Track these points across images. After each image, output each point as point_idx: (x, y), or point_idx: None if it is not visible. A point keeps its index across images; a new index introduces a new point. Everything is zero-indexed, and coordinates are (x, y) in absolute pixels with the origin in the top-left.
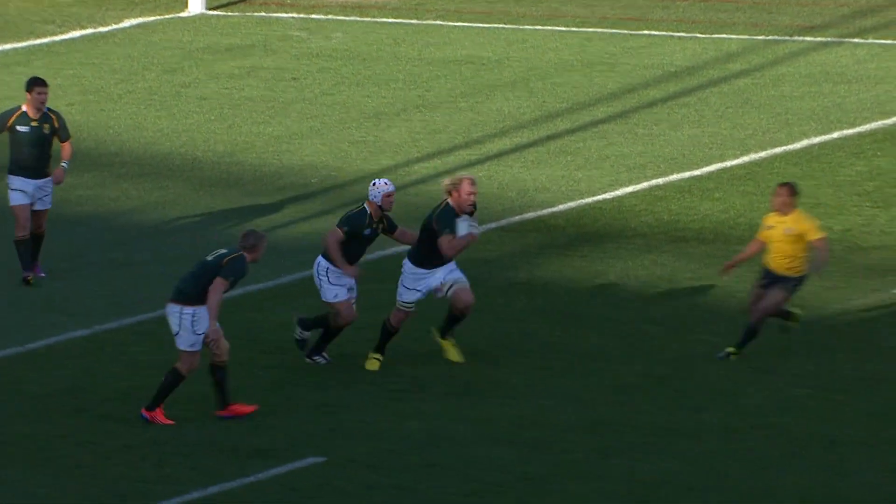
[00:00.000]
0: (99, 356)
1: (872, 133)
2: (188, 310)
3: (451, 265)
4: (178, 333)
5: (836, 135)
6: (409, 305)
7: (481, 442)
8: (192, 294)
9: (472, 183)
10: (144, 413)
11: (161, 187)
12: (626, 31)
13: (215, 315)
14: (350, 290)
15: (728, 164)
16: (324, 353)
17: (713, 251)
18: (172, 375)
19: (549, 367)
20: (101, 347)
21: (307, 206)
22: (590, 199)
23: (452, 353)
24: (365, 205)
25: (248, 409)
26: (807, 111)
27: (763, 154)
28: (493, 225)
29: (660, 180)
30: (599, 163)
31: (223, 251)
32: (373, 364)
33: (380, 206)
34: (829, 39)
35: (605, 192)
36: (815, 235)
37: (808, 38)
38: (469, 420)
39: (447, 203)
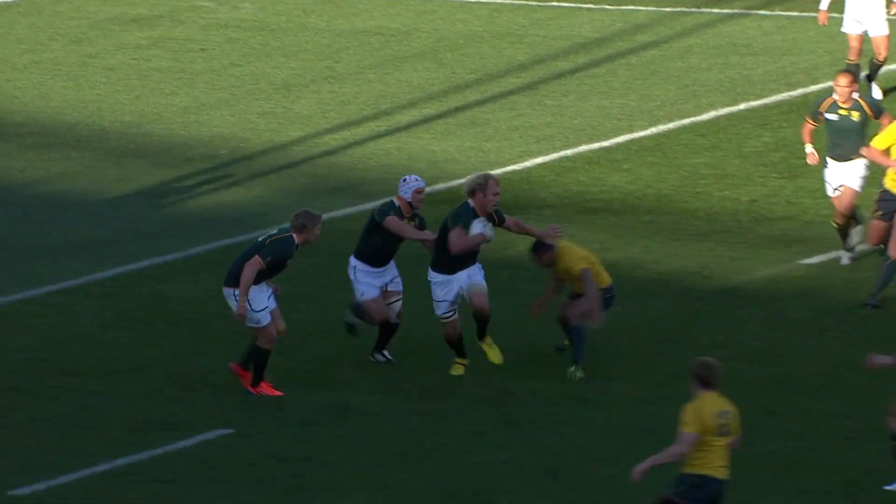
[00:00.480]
0: (3, 328)
1: (778, 105)
2: (236, 291)
3: (474, 268)
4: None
5: (742, 106)
6: (448, 316)
7: (390, 414)
8: (236, 275)
9: (497, 183)
10: (251, 390)
11: (68, 158)
12: (534, 3)
13: (244, 292)
14: (387, 288)
15: (636, 135)
16: (384, 352)
17: (622, 222)
18: (258, 353)
19: (465, 337)
20: (6, 319)
21: (216, 178)
22: (499, 171)
23: (491, 354)
24: (395, 199)
25: (275, 392)
26: (714, 83)
27: (671, 125)
28: None
29: (568, 151)
30: (508, 134)
31: (275, 230)
32: (457, 369)
33: (409, 203)
34: (736, 11)
35: (514, 163)
36: None
37: (715, 10)
38: (378, 392)
39: (467, 203)
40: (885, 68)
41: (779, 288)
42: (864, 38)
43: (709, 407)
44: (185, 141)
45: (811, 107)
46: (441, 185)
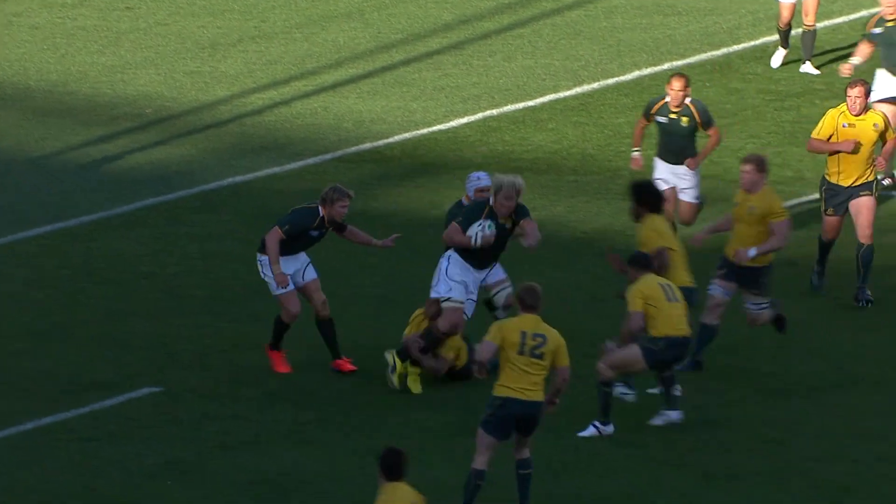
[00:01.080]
0: None
1: (701, 64)
2: (261, 257)
3: (496, 270)
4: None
5: (666, 66)
6: (457, 302)
7: (315, 372)
8: (263, 243)
9: (512, 190)
10: (334, 366)
11: None
12: None
13: (274, 262)
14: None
15: (561, 94)
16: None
17: (547, 181)
18: (277, 322)
19: (386, 296)
20: None
21: (141, 137)
22: (425, 130)
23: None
24: (463, 198)
25: (283, 368)
26: (638, 43)
27: (595, 85)
28: (329, 156)
29: (494, 111)
30: (434, 94)
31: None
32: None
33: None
34: None
35: (441, 122)
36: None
37: None
38: (305, 348)
39: (486, 201)
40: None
41: (701, 245)
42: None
43: (516, 324)
44: (110, 100)
45: (644, 106)
46: (367, 145)
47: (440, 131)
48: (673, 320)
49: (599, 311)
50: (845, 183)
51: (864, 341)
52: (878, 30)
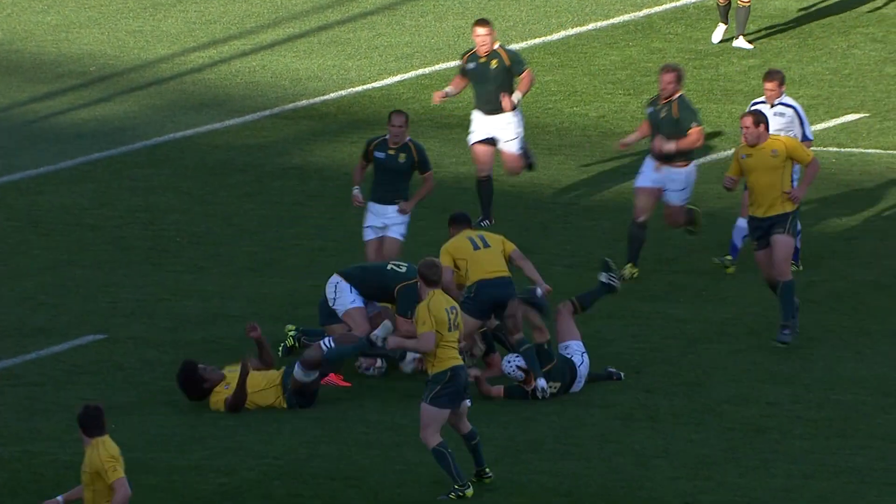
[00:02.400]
0: None
1: (625, 24)
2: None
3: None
4: None
5: (591, 26)
6: None
7: (258, 319)
8: None
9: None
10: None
11: None
12: None
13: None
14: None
15: None
16: None
17: None
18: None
19: (323, 248)
20: None
21: (86, 94)
22: (360, 88)
23: None
24: None
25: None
26: (564, 4)
27: (523, 44)
28: (267, 112)
29: (426, 69)
30: (369, 52)
31: None
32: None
33: None
34: None
35: (375, 80)
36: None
37: None
38: (245, 298)
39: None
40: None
41: (625, 200)
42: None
43: (439, 303)
44: (55, 58)
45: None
46: (303, 102)
47: (374, 89)
48: (483, 265)
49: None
50: (758, 214)
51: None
52: (471, 65)
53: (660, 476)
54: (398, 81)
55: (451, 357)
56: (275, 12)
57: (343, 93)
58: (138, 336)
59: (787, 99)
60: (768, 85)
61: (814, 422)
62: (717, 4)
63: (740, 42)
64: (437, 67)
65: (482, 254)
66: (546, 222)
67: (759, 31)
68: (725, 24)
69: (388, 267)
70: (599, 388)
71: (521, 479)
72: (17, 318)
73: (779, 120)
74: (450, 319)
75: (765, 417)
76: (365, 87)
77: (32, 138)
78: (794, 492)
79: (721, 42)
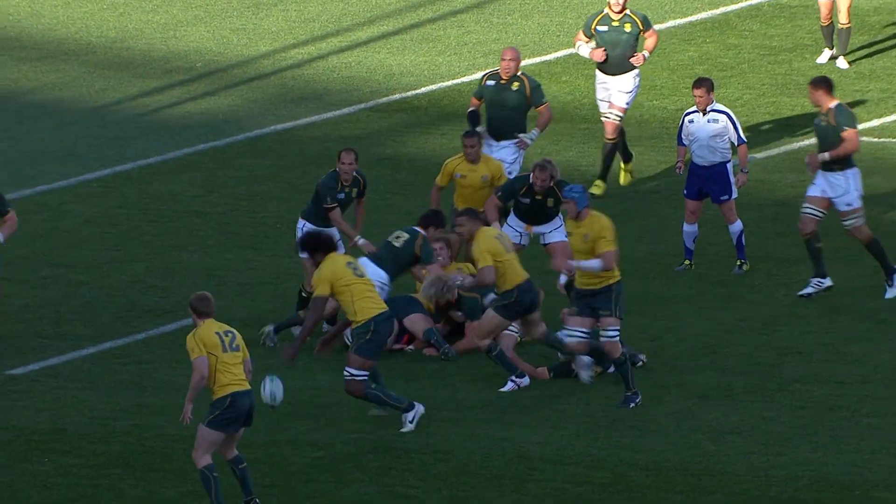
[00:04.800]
0: None
1: (702, 22)
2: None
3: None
4: None
5: (670, 24)
6: None
7: None
8: None
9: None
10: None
11: (57, 70)
12: None
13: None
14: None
15: (573, 50)
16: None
17: (561, 129)
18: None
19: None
20: None
21: (192, 88)
22: (450, 82)
23: None
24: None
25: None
26: (643, 2)
27: None
28: (362, 106)
29: None
30: (458, 49)
31: None
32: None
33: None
34: None
35: (464, 75)
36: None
37: None
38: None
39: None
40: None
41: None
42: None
43: (208, 328)
44: (164, 55)
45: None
46: (396, 96)
47: (464, 83)
48: (517, 269)
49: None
50: None
51: (849, 272)
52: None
53: (735, 451)
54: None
55: (228, 381)
56: (370, 11)
57: (434, 87)
58: (242, 317)
59: (718, 105)
60: (697, 92)
61: (882, 400)
62: (821, 26)
63: (841, 62)
64: (523, 63)
65: (513, 257)
66: (627, 210)
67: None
68: (831, 48)
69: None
70: (676, 370)
71: (602, 453)
72: (128, 300)
73: (713, 126)
74: (222, 341)
75: (835, 396)
76: (454, 81)
77: (143, 130)
78: (863, 466)
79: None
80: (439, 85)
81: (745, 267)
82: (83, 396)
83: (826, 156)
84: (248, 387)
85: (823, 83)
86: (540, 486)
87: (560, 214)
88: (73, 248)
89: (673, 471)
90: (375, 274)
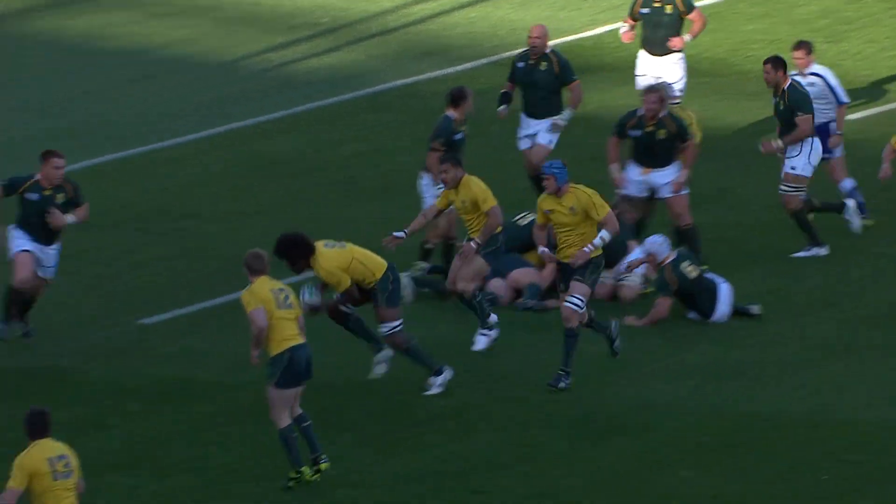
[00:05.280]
0: (130, 176)
1: None
2: None
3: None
4: None
5: None
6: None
7: None
8: None
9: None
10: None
11: (186, 26)
12: None
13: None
14: None
15: (697, 4)
16: None
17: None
18: None
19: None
20: (130, 173)
21: (317, 44)
22: (571, 37)
23: None
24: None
25: None
26: None
27: None
28: (485, 61)
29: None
30: (579, 4)
31: None
32: None
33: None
34: None
35: (585, 30)
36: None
37: None
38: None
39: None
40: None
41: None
42: None
43: (262, 284)
44: (290, 10)
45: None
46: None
47: (584, 38)
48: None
49: (721, 201)
50: None
51: None
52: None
53: (857, 402)
54: (607, 31)
55: (284, 337)
56: None
57: (555, 42)
58: None
59: (816, 68)
60: (796, 54)
61: None
62: None
63: None
64: None
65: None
66: (747, 164)
67: None
68: None
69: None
70: (797, 322)
71: (724, 404)
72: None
73: (810, 90)
74: (278, 299)
75: None
76: (575, 36)
77: (269, 84)
78: None
79: None
80: (561, 40)
81: (866, 221)
82: (214, 346)
83: (780, 143)
84: (303, 340)
85: (782, 63)
86: (661, 435)
87: (677, 161)
88: (202, 201)
89: (793, 421)
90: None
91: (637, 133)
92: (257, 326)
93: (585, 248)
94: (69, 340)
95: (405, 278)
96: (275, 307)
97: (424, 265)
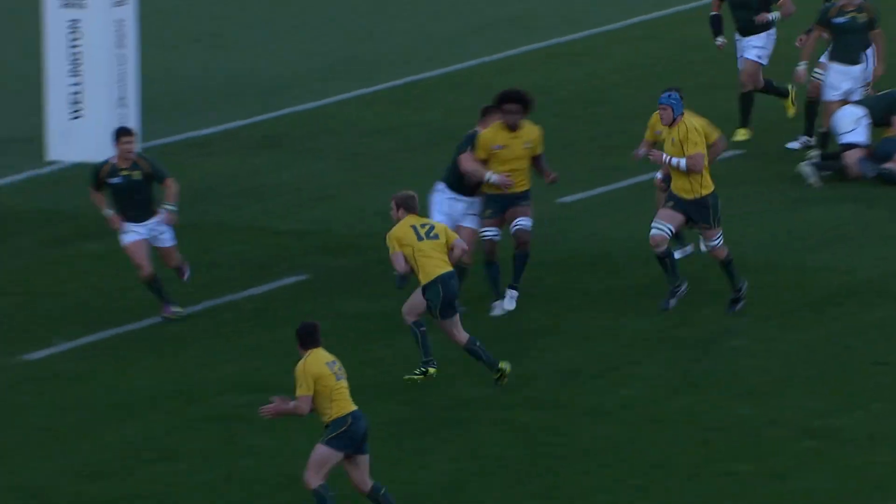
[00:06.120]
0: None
1: None
2: None
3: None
4: None
5: None
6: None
7: None
8: None
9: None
10: None
11: None
12: None
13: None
14: None
15: None
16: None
17: None
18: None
19: None
20: None
21: None
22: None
23: None
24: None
25: None
26: None
27: None
28: None
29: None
30: None
31: None
32: None
33: None
34: None
35: None
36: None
37: None
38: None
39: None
40: None
41: None
42: None
43: (406, 223)
44: None
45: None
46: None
47: None
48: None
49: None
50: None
51: None
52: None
53: None
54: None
55: (430, 269)
56: None
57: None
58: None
59: None
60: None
61: None
62: None
63: None
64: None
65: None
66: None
67: None
68: None
69: None
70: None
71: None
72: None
73: None
74: (417, 232)
75: None
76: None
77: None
78: None
79: None
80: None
81: None
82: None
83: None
84: (450, 268)
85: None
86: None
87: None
88: None
89: None
90: None
91: (840, 20)
92: (399, 265)
93: (665, 155)
94: None
95: (806, 167)
96: (415, 241)
97: (817, 151)
